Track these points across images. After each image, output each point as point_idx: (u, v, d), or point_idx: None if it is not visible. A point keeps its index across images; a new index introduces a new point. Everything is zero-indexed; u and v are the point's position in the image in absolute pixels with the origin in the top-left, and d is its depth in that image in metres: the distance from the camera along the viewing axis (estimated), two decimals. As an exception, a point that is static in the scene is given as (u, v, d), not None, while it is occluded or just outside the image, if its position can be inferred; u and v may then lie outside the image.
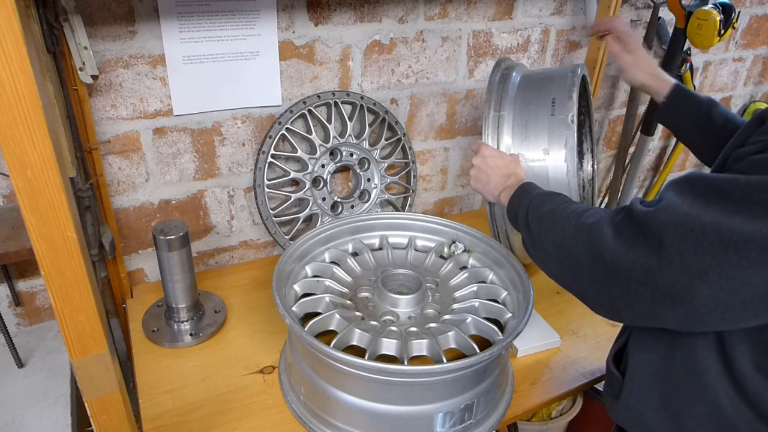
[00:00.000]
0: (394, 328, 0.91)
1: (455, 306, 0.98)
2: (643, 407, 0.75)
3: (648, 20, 1.63)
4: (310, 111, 1.24)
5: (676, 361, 0.70)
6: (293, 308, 0.92)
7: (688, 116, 1.01)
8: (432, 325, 0.93)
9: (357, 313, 0.94)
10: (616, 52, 1.07)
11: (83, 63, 0.96)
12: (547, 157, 1.04)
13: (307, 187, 1.27)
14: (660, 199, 0.61)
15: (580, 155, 1.31)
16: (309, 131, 1.25)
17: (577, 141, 1.29)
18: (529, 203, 0.82)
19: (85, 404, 0.62)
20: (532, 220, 0.79)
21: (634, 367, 0.77)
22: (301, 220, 1.29)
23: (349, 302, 0.97)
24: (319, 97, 1.24)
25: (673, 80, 1.03)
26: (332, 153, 1.30)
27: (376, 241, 1.16)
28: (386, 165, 1.37)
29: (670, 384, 0.72)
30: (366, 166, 1.35)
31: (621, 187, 1.89)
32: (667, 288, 0.58)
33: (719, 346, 0.66)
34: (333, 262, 1.07)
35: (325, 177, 1.29)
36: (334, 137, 1.27)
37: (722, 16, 1.46)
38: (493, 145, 1.07)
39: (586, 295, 0.69)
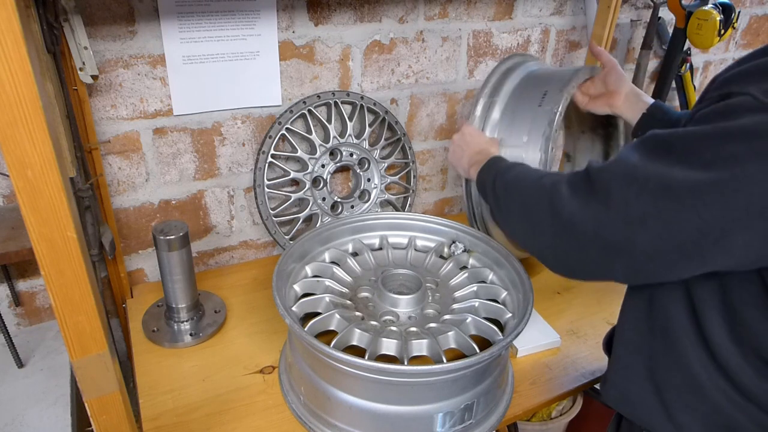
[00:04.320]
0: (394, 328, 0.91)
1: (455, 306, 0.98)
2: (629, 383, 0.77)
3: (648, 20, 1.63)
4: (310, 111, 1.23)
5: (654, 334, 0.73)
6: (293, 308, 0.92)
7: (667, 128, 1.00)
8: (432, 325, 0.93)
9: (357, 313, 0.94)
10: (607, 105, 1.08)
11: (83, 63, 0.96)
12: (524, 145, 1.05)
13: (307, 187, 1.27)
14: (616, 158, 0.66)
15: None
16: (309, 131, 1.25)
17: (604, 152, 1.31)
18: (496, 173, 0.86)
19: (85, 404, 0.62)
20: (498, 187, 0.84)
21: (617, 346, 0.79)
22: (301, 220, 1.29)
23: (349, 302, 0.97)
24: (319, 97, 1.24)
25: (651, 100, 1.03)
26: (332, 153, 1.30)
27: (376, 241, 1.16)
28: (386, 165, 1.37)
29: (651, 358, 0.74)
30: (366, 166, 1.35)
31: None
32: (612, 238, 0.62)
33: (692, 316, 0.68)
34: (333, 262, 1.07)
35: (325, 177, 1.29)
36: (334, 137, 1.27)
37: (722, 16, 1.46)
38: (479, 127, 1.11)
39: (545, 255, 0.73)
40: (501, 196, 0.83)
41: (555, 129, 1.01)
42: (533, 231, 0.73)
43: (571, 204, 0.66)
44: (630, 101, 1.05)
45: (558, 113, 1.01)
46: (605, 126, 1.28)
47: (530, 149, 1.04)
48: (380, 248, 1.15)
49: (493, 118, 1.10)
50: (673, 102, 1.85)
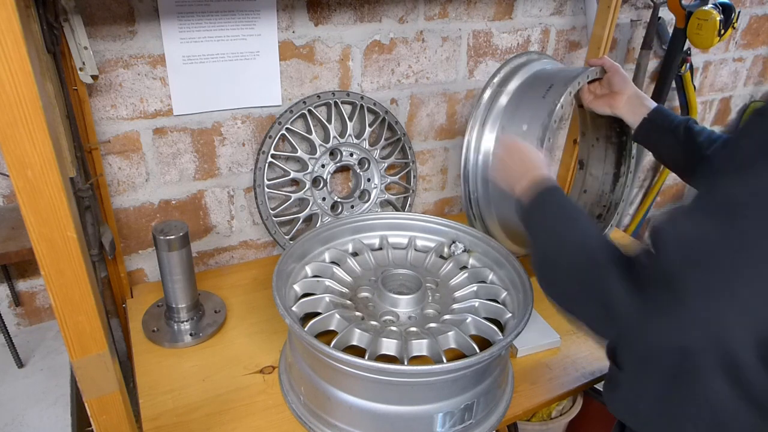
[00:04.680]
0: (394, 328, 0.91)
1: (455, 306, 0.98)
2: (640, 401, 0.73)
3: (648, 20, 1.63)
4: (310, 111, 1.23)
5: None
6: (293, 308, 0.92)
7: (667, 132, 1.01)
8: (432, 325, 0.93)
9: (357, 313, 0.94)
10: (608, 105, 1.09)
11: (83, 63, 0.96)
12: (523, 133, 1.06)
13: (307, 187, 1.27)
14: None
15: (616, 177, 1.34)
16: (309, 131, 1.25)
17: (616, 160, 1.33)
18: (545, 210, 0.78)
19: (85, 404, 0.62)
20: (542, 228, 0.76)
21: (629, 358, 0.75)
22: (301, 220, 1.29)
23: (349, 302, 0.97)
24: (319, 97, 1.24)
25: (653, 105, 1.04)
26: (332, 153, 1.29)
27: (376, 241, 1.16)
28: (386, 165, 1.37)
29: (666, 379, 0.69)
30: (366, 166, 1.35)
31: (621, 187, 1.89)
32: (689, 344, 0.55)
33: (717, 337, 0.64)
34: (333, 262, 1.07)
35: (325, 177, 1.29)
36: (334, 137, 1.27)
37: (722, 16, 1.46)
38: (483, 115, 1.12)
39: (589, 324, 0.67)
40: (542, 240, 0.74)
41: (554, 120, 1.02)
42: (578, 301, 0.66)
43: (631, 304, 0.58)
44: (632, 104, 1.05)
45: (558, 105, 1.02)
46: (619, 134, 1.31)
47: (528, 138, 1.04)
48: (380, 248, 1.15)
49: (499, 106, 1.12)
50: (673, 102, 1.85)
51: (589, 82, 1.11)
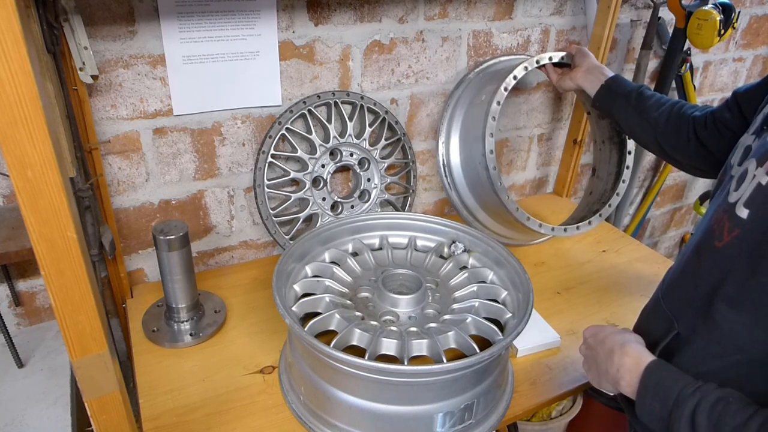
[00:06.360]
0: (394, 328, 0.91)
1: (455, 306, 0.98)
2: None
3: (648, 20, 1.63)
4: (310, 111, 1.23)
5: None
6: (293, 308, 0.92)
7: (621, 97, 1.08)
8: (432, 325, 0.93)
9: (357, 313, 0.94)
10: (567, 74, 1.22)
11: (83, 63, 0.96)
12: (481, 102, 1.22)
13: (307, 187, 1.27)
14: None
15: (618, 175, 1.38)
16: (309, 131, 1.25)
17: (618, 160, 1.39)
18: (673, 406, 0.65)
19: (85, 404, 0.62)
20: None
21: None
22: (301, 220, 1.29)
23: (349, 302, 0.97)
24: (319, 97, 1.24)
25: (610, 74, 1.13)
26: (332, 153, 1.29)
27: (376, 241, 1.16)
28: (386, 165, 1.37)
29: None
30: (366, 166, 1.35)
31: (621, 187, 1.89)
32: None
33: None
34: (333, 262, 1.07)
35: (325, 177, 1.29)
36: (334, 137, 1.27)
37: (722, 16, 1.46)
38: (446, 114, 1.29)
39: None
40: None
41: (504, 87, 1.17)
42: None
43: None
44: (591, 74, 1.15)
45: (511, 75, 1.18)
46: (619, 133, 1.38)
47: (484, 106, 1.19)
48: (380, 248, 1.15)
49: (472, 83, 1.33)
50: (673, 102, 1.85)
51: (556, 66, 1.25)
